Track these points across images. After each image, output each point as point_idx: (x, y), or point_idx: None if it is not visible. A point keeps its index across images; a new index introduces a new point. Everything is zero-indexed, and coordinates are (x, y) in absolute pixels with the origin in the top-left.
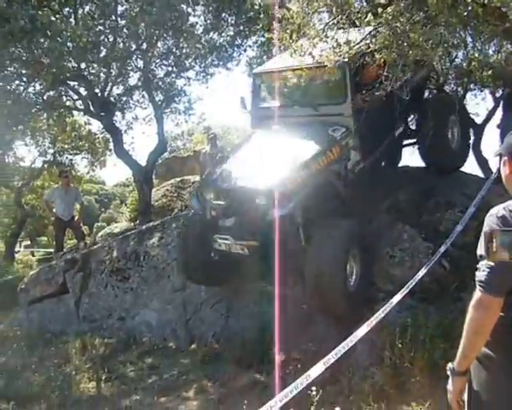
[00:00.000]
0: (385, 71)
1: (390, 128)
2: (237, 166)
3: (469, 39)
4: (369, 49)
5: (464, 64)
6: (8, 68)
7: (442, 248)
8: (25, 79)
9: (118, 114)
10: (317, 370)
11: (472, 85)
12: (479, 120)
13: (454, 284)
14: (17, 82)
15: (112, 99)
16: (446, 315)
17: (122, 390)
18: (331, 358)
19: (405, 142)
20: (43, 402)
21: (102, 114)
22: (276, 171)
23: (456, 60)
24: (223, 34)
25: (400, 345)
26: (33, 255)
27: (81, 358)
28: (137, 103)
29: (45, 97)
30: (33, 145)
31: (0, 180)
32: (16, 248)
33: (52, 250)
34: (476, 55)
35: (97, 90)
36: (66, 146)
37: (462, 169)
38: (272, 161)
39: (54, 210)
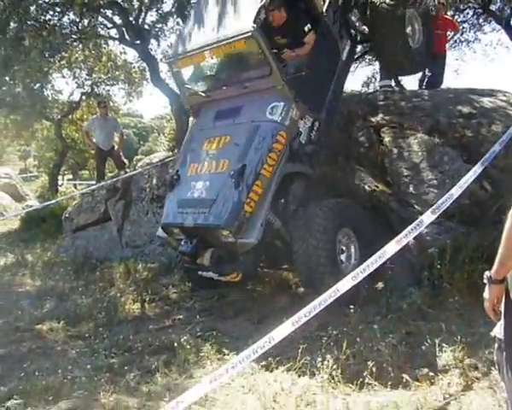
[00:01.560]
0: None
1: (335, 59)
2: (189, 189)
3: None
4: None
5: None
6: None
7: (478, 170)
8: (58, 9)
9: (153, 42)
10: (346, 284)
11: None
12: None
13: (495, 206)
14: (51, 12)
15: (146, 27)
16: (486, 237)
17: (165, 311)
18: (359, 272)
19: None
20: (91, 322)
21: (137, 42)
22: (227, 196)
23: None
24: None
25: (439, 266)
26: (76, 188)
27: (125, 282)
28: (172, 30)
29: (80, 27)
30: (71, 77)
31: (40, 113)
32: (59, 182)
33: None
34: None
35: (131, 18)
36: (102, 77)
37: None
38: (221, 182)
39: (94, 140)
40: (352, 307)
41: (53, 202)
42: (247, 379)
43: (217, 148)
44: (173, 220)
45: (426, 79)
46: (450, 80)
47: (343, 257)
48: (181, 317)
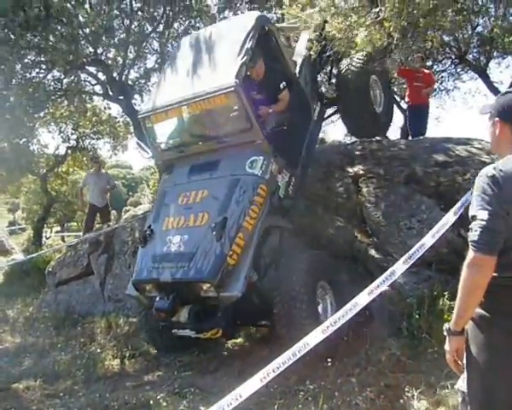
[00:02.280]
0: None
1: (307, 118)
2: (164, 243)
3: (491, 5)
4: (378, 19)
5: (486, 31)
6: (27, 57)
7: (451, 218)
8: (44, 67)
9: (136, 97)
10: (316, 337)
11: (495, 53)
12: (503, 88)
13: None
14: (36, 70)
15: (130, 82)
16: None
17: (145, 367)
18: (330, 325)
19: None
20: (69, 380)
21: (121, 97)
22: (209, 249)
23: (478, 28)
24: (237, 12)
25: (418, 316)
26: (63, 240)
27: (106, 337)
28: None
29: (64, 84)
30: (56, 132)
31: (25, 168)
32: (47, 234)
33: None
34: (499, 21)
35: (115, 74)
36: (87, 131)
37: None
38: (201, 235)
39: (87, 197)
40: (329, 360)
41: (34, 255)
42: None
43: (193, 202)
44: (147, 276)
45: (410, 131)
46: (432, 128)
47: (320, 309)
48: (160, 373)
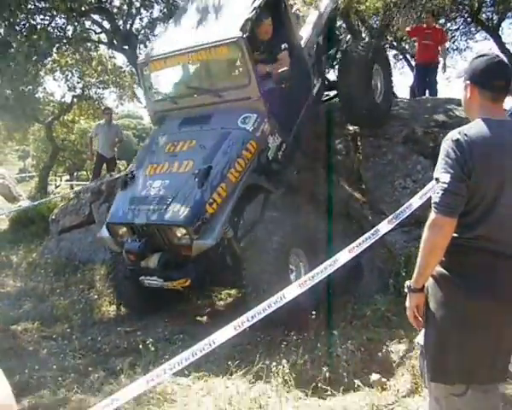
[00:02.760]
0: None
1: (306, 89)
2: (144, 187)
3: None
4: None
5: None
6: (30, 2)
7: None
8: (48, 13)
9: (141, 46)
10: (292, 291)
11: (508, 13)
12: None
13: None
14: (41, 16)
15: (135, 32)
16: None
17: (139, 313)
18: (307, 280)
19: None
20: (66, 323)
21: (126, 47)
22: (189, 195)
23: None
24: None
25: (404, 274)
26: (72, 188)
27: (104, 284)
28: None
29: (68, 31)
30: (62, 80)
31: (30, 115)
32: (57, 183)
33: None
34: None
35: (120, 23)
36: (93, 80)
37: None
38: (183, 181)
39: (95, 147)
40: (314, 313)
41: (37, 203)
42: (206, 382)
43: (180, 150)
44: (122, 218)
45: (417, 90)
46: (442, 87)
47: (292, 277)
48: (152, 320)
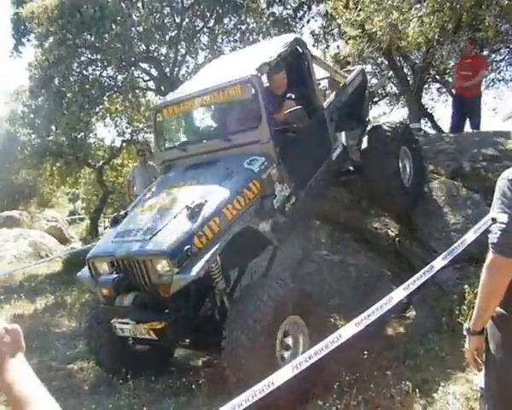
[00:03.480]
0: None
1: (325, 150)
2: (133, 221)
3: None
4: (418, 15)
5: None
6: (83, 55)
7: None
8: (99, 64)
9: None
10: (348, 331)
11: None
12: None
13: None
14: (92, 67)
15: (181, 78)
16: None
17: (192, 352)
18: (363, 319)
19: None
20: None
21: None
22: (177, 226)
23: None
24: (286, 6)
25: (458, 312)
26: None
27: None
28: None
29: (118, 80)
30: (112, 126)
31: (82, 160)
32: (105, 224)
33: None
34: None
35: (167, 70)
36: (141, 125)
37: None
38: (174, 214)
39: (134, 188)
40: (366, 352)
41: (91, 245)
42: None
43: (178, 190)
44: (102, 252)
45: (452, 121)
46: (488, 119)
47: (286, 355)
48: (204, 359)
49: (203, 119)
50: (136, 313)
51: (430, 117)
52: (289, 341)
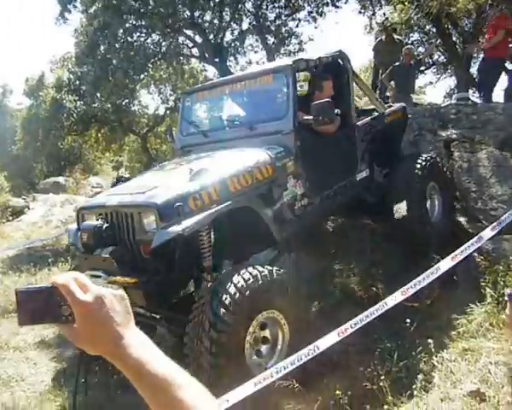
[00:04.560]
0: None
1: (349, 166)
2: (135, 183)
3: None
4: None
5: None
6: (128, 22)
7: None
8: (144, 31)
9: (231, 59)
10: (395, 299)
11: None
12: None
13: None
14: (137, 34)
15: (225, 45)
16: None
17: None
18: (410, 287)
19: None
20: None
21: (216, 59)
22: (175, 185)
23: None
24: None
25: (503, 283)
26: None
27: None
28: (250, 47)
29: (163, 47)
30: (156, 93)
31: (127, 128)
32: None
33: None
34: None
35: (211, 37)
36: None
37: None
38: (175, 175)
39: None
40: (408, 321)
41: None
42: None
43: (189, 161)
44: (93, 203)
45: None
46: None
47: (263, 348)
48: None
49: (230, 107)
50: (111, 265)
51: None
52: (266, 334)
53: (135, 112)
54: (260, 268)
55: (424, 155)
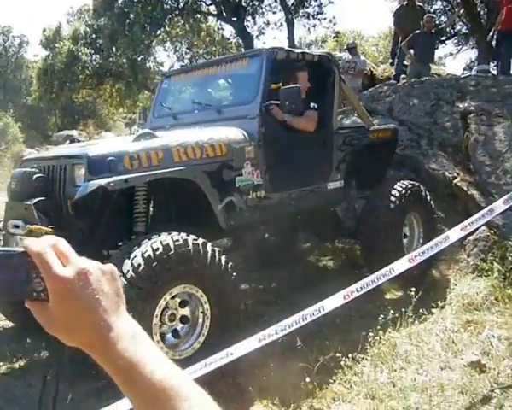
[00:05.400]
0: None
1: (320, 172)
2: (86, 143)
3: None
4: None
5: None
6: None
7: None
8: None
9: (249, 18)
10: (402, 265)
11: None
12: None
13: None
14: None
15: (243, 3)
16: None
17: None
18: (417, 255)
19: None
20: None
21: (234, 18)
22: (116, 144)
23: None
24: None
25: (511, 258)
26: None
27: None
28: (269, 8)
29: (181, 2)
30: (172, 51)
31: (141, 83)
32: None
33: None
34: None
35: None
36: (201, 51)
37: None
38: (124, 139)
39: None
40: (413, 289)
41: None
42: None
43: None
44: (36, 155)
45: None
46: None
47: (181, 328)
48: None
49: (203, 91)
50: (32, 214)
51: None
52: (186, 312)
53: (150, 68)
54: (176, 236)
55: (406, 182)
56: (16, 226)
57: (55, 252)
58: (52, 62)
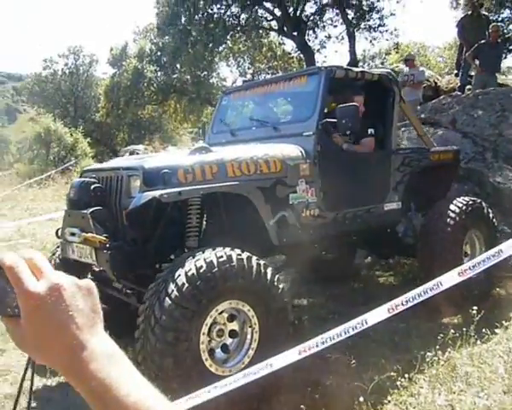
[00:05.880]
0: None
1: (377, 192)
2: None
3: None
4: None
5: None
6: None
7: None
8: (224, 2)
9: (310, 33)
10: (450, 279)
11: None
12: None
13: None
14: (217, 5)
15: (304, 18)
16: None
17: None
18: (467, 269)
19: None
20: None
21: (295, 33)
22: (173, 157)
23: None
24: None
25: None
26: None
27: None
28: (330, 22)
29: (242, 19)
30: (234, 66)
31: (204, 99)
32: None
33: None
34: None
35: (290, 10)
36: (262, 66)
37: None
38: (180, 153)
39: None
40: (475, 308)
41: None
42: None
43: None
44: (96, 166)
45: None
46: None
47: (231, 343)
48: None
49: (261, 107)
50: (88, 223)
51: None
52: (235, 326)
53: (213, 84)
54: (220, 252)
55: (466, 199)
56: (73, 234)
57: (29, 266)
58: (119, 80)
